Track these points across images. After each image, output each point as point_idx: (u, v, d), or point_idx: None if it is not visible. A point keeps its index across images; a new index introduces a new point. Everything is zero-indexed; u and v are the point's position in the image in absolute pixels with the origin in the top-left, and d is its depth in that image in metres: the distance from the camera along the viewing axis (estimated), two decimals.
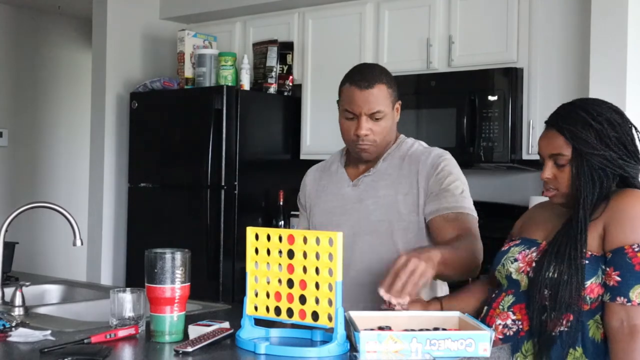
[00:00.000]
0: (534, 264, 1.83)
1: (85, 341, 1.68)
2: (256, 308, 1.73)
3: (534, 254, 1.85)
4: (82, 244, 2.36)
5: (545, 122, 1.91)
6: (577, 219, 1.79)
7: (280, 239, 1.69)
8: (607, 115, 1.82)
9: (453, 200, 2.13)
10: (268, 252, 1.71)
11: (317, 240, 1.63)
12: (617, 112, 1.85)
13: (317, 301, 1.63)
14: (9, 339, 1.74)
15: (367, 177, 2.23)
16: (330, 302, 1.61)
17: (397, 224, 2.16)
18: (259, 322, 1.76)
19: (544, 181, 1.88)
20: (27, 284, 2.24)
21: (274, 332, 1.77)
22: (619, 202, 1.79)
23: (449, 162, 2.19)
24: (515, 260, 1.88)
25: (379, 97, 2.13)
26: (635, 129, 1.86)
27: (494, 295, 1.95)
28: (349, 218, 2.21)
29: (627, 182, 1.85)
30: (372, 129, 2.14)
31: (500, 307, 1.88)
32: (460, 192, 2.15)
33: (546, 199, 1.94)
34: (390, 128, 2.20)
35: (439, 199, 2.14)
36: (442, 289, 2.26)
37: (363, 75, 2.14)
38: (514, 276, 1.87)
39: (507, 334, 1.84)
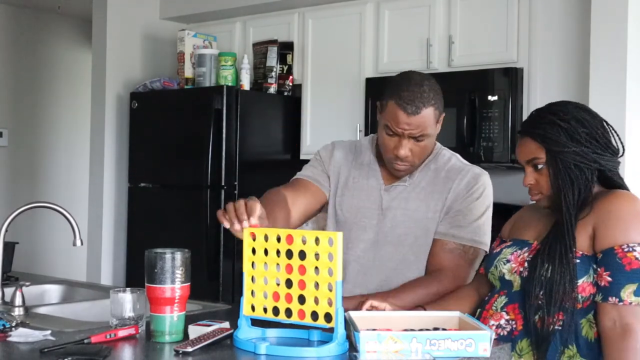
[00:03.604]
0: (526, 264, 1.84)
1: (85, 341, 1.68)
2: (253, 308, 1.73)
3: (526, 254, 1.86)
4: (82, 244, 2.36)
5: (518, 132, 1.95)
6: (563, 217, 1.81)
7: (278, 239, 1.69)
8: (574, 114, 1.85)
9: (464, 228, 2.10)
10: (266, 252, 1.71)
11: (317, 240, 1.63)
12: (585, 109, 1.89)
13: (316, 301, 1.63)
14: (9, 339, 1.73)
15: (401, 187, 2.15)
16: (330, 302, 1.60)
17: (424, 240, 2.12)
18: (255, 322, 1.76)
19: (528, 187, 1.90)
20: (27, 284, 2.23)
21: (271, 332, 1.76)
22: (607, 203, 1.80)
23: (483, 184, 2.16)
24: (508, 261, 1.89)
25: (426, 121, 2.00)
26: (606, 122, 1.88)
27: (486, 297, 1.96)
28: (376, 224, 2.15)
29: (606, 176, 1.86)
30: (412, 149, 2.04)
31: (494, 308, 1.89)
32: (476, 217, 2.12)
33: None
34: (431, 146, 2.13)
35: (451, 221, 2.11)
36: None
37: (411, 98, 1.98)
38: (507, 277, 1.88)
39: (501, 333, 1.85)
